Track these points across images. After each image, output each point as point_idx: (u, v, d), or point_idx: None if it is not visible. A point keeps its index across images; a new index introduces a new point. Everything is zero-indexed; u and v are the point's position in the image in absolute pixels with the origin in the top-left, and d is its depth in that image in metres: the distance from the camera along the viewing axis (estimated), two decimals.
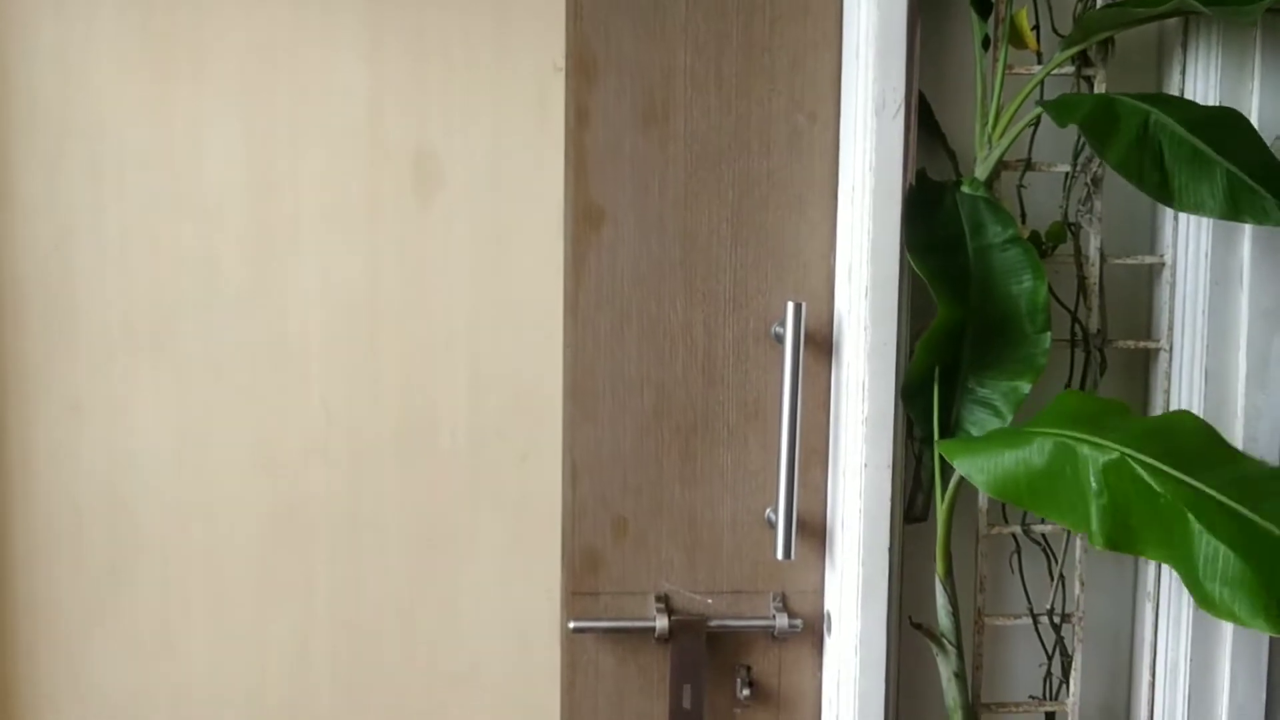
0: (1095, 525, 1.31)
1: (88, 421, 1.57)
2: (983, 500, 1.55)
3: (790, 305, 1.47)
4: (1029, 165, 1.56)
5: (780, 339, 1.53)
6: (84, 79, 1.53)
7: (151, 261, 1.55)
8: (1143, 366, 1.64)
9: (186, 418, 1.57)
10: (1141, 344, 1.61)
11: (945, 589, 1.52)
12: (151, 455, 1.58)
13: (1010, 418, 1.45)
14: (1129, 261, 1.60)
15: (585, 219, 1.54)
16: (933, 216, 1.49)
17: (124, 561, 1.59)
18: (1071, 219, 1.58)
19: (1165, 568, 1.55)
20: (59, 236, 1.54)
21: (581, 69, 1.53)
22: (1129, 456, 1.29)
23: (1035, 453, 1.36)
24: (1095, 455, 1.32)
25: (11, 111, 1.52)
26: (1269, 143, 1.41)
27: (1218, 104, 1.48)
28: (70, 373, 1.56)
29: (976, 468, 1.39)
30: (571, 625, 1.56)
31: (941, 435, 1.47)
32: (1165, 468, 1.29)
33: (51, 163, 1.53)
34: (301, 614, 1.61)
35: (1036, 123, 1.51)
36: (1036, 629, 1.63)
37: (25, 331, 1.55)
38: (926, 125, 1.55)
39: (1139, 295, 1.63)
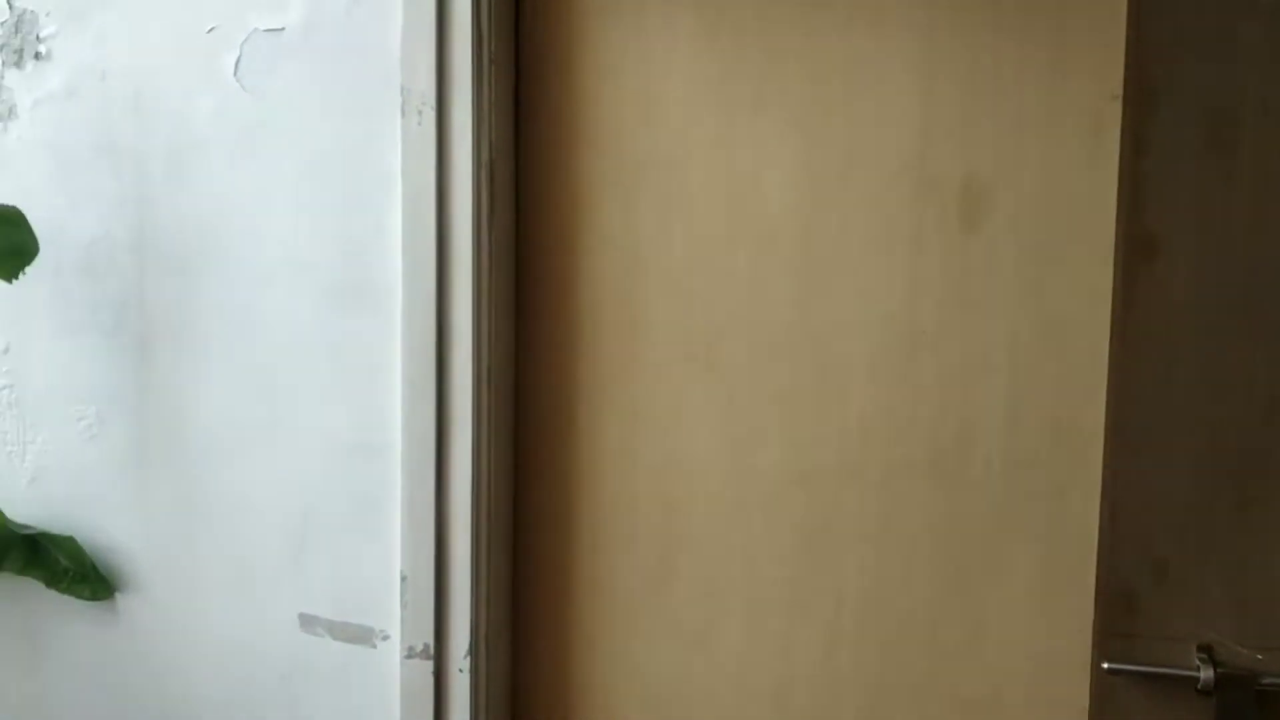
0: None
1: (645, 427, 1.73)
2: None
3: None
4: None
5: None
6: (661, 117, 1.69)
7: (709, 285, 1.69)
8: None
9: (732, 428, 1.69)
10: None
11: None
12: (699, 461, 1.71)
13: None
14: None
15: (1138, 249, 1.50)
16: None
17: (670, 557, 1.74)
18: None
19: None
20: (630, 264, 1.72)
21: (1141, 97, 1.49)
22: None
23: None
24: None
25: (599, 149, 1.71)
26: None
27: None
28: (633, 383, 1.73)
29: None
30: (1105, 666, 1.52)
31: None
32: None
33: (629, 196, 1.71)
34: (829, 624, 1.68)
35: None
36: None
37: (599, 347, 1.73)
38: None
39: None
